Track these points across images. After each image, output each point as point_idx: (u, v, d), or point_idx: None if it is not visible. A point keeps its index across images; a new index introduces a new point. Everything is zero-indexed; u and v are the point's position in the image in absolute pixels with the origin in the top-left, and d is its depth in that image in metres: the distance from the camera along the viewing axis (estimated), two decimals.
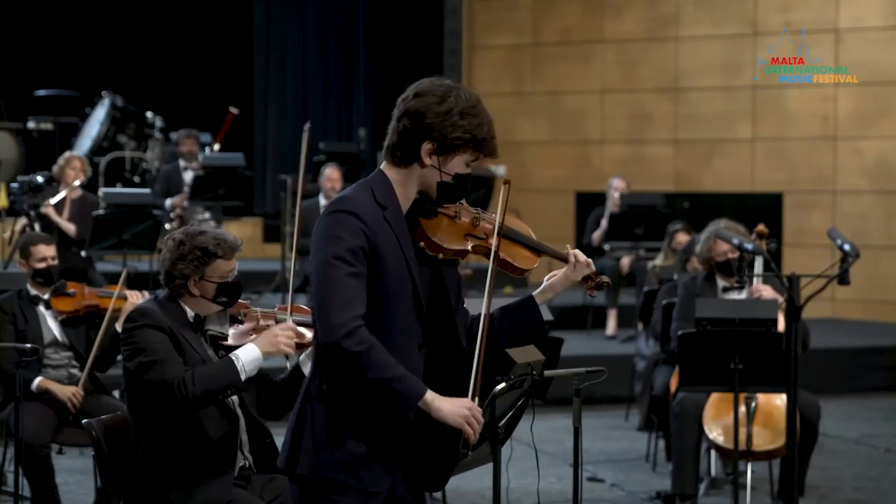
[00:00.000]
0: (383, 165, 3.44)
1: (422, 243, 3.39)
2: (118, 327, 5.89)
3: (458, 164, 3.37)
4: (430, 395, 3.29)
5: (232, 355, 4.19)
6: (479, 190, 11.51)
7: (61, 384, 6.06)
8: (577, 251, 3.56)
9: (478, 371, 3.35)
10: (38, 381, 5.95)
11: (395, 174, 3.40)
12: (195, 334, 4.35)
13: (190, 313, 4.38)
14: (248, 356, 4.18)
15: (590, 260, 3.55)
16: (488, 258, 3.42)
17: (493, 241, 3.42)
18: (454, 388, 3.37)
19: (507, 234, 3.48)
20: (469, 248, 3.43)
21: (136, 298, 5.87)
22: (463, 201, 3.48)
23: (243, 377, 4.16)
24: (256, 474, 4.40)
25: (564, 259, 3.54)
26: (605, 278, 3.60)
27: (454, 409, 3.29)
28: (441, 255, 3.40)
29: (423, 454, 3.42)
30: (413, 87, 3.40)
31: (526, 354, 3.95)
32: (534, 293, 3.56)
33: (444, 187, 3.38)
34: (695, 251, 8.24)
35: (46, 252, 6.23)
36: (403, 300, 3.34)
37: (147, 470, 4.23)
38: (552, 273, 3.58)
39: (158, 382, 4.15)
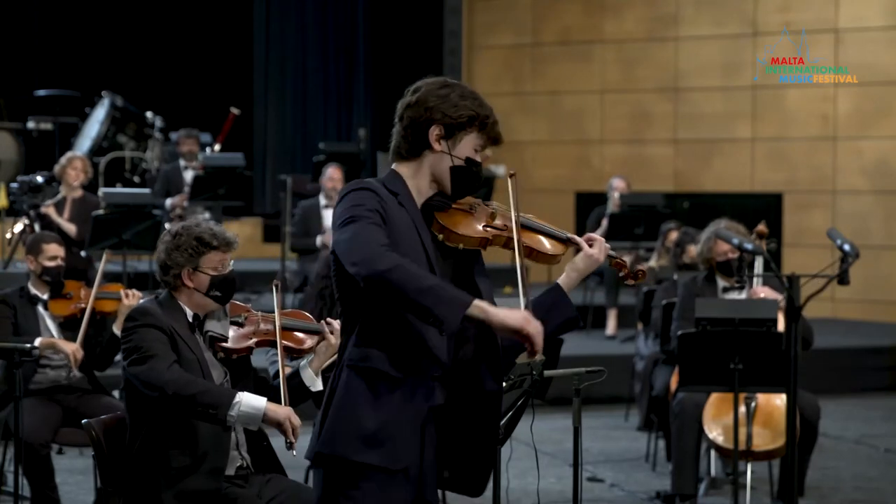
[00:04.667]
0: (393, 166, 3.45)
1: (440, 235, 3.37)
2: (116, 329, 5.90)
3: (468, 148, 3.39)
4: (481, 302, 3.18)
5: (239, 393, 4.15)
6: (479, 190, 11.49)
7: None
8: (593, 235, 3.57)
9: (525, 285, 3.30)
10: (39, 339, 5.93)
11: (405, 169, 3.41)
12: (193, 335, 4.36)
13: (189, 314, 4.39)
14: (250, 400, 4.11)
15: (606, 244, 3.54)
16: (509, 248, 3.40)
17: (514, 230, 3.39)
18: (478, 378, 3.34)
19: (526, 224, 3.47)
20: (489, 236, 3.39)
21: (133, 300, 5.88)
22: (480, 201, 3.47)
23: (232, 412, 4.08)
24: (254, 474, 4.41)
25: (580, 244, 3.54)
26: (641, 268, 3.62)
27: (516, 316, 3.18)
28: (461, 245, 3.38)
29: (461, 450, 3.39)
30: (413, 87, 3.43)
31: (526, 354, 3.96)
32: (559, 279, 3.53)
33: (458, 172, 3.38)
34: (687, 243, 8.27)
35: (58, 251, 6.25)
36: None
37: (143, 469, 4.25)
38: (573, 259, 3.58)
39: (145, 375, 4.15)
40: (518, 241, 3.38)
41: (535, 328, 3.18)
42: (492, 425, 3.40)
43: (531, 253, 3.47)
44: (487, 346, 3.37)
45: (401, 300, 3.18)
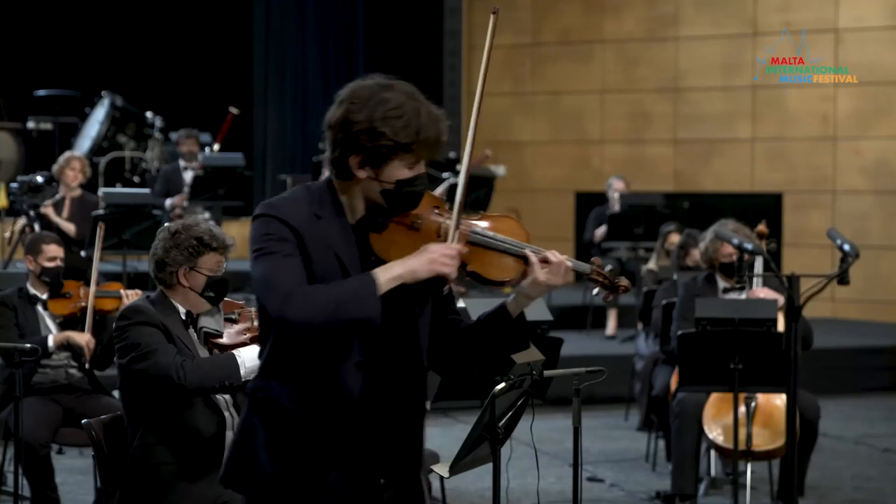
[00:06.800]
0: (328, 175, 3.17)
1: (372, 258, 3.05)
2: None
3: (396, 171, 3.03)
4: (382, 271, 2.97)
5: (234, 352, 4.25)
6: (479, 190, 11.50)
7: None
8: (553, 252, 3.11)
9: (458, 217, 3.04)
10: (51, 336, 5.97)
11: (339, 185, 3.11)
12: (186, 331, 4.38)
13: (182, 311, 4.41)
14: (247, 354, 4.28)
15: (566, 262, 3.09)
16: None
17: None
18: (408, 405, 3.13)
19: (476, 241, 3.06)
20: None
21: (133, 299, 5.88)
22: (432, 207, 3.11)
23: (242, 372, 4.23)
24: None
25: (533, 266, 3.08)
26: (623, 282, 3.15)
27: (418, 259, 2.97)
28: None
29: (384, 448, 3.12)
30: (341, 92, 3.11)
31: (526, 354, 3.95)
32: (506, 301, 3.17)
33: (390, 196, 3.05)
34: (691, 246, 8.27)
35: (57, 252, 6.27)
36: None
37: (140, 468, 4.25)
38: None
39: (153, 370, 4.18)
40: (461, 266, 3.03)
41: (441, 261, 2.97)
42: (414, 413, 3.16)
43: (476, 277, 3.07)
44: (404, 326, 3.12)
45: (323, 334, 2.99)
